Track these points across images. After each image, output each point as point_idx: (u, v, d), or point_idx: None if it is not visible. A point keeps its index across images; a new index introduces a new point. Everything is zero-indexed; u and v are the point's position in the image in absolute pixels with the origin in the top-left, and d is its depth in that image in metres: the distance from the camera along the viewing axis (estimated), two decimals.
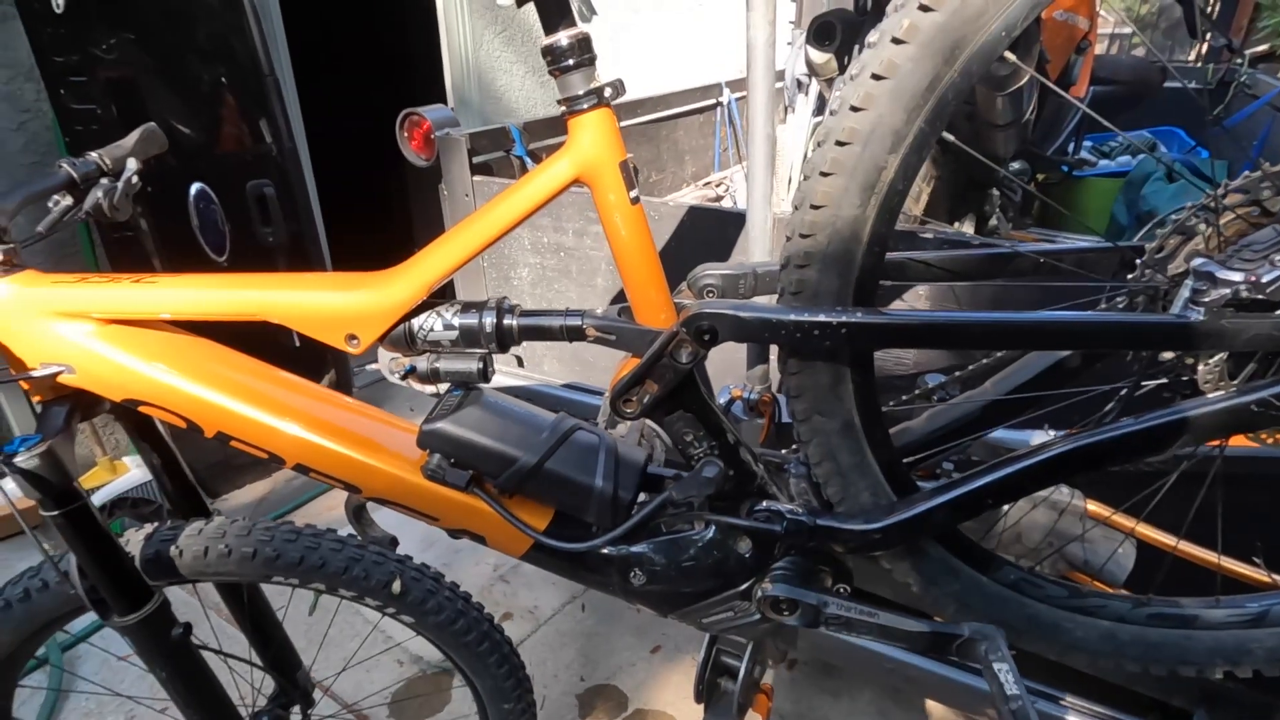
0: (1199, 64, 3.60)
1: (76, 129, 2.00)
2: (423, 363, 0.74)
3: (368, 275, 0.72)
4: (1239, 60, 2.89)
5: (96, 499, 2.02)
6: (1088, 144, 3.08)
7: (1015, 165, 2.33)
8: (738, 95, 2.89)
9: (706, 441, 0.73)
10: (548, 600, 2.03)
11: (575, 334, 0.70)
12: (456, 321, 0.70)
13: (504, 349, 0.72)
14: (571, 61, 0.61)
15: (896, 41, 0.53)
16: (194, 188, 2.23)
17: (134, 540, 0.90)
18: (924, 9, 0.52)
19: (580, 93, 0.61)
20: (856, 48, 1.81)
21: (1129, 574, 0.89)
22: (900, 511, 0.69)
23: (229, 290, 0.72)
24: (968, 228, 2.15)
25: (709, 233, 1.31)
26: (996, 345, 0.74)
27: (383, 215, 4.08)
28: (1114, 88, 3.05)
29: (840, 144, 0.57)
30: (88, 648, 1.81)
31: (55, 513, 0.78)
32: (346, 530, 0.96)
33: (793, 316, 0.61)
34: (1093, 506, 0.93)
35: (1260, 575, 0.81)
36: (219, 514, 0.98)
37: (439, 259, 0.68)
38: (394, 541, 0.98)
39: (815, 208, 0.59)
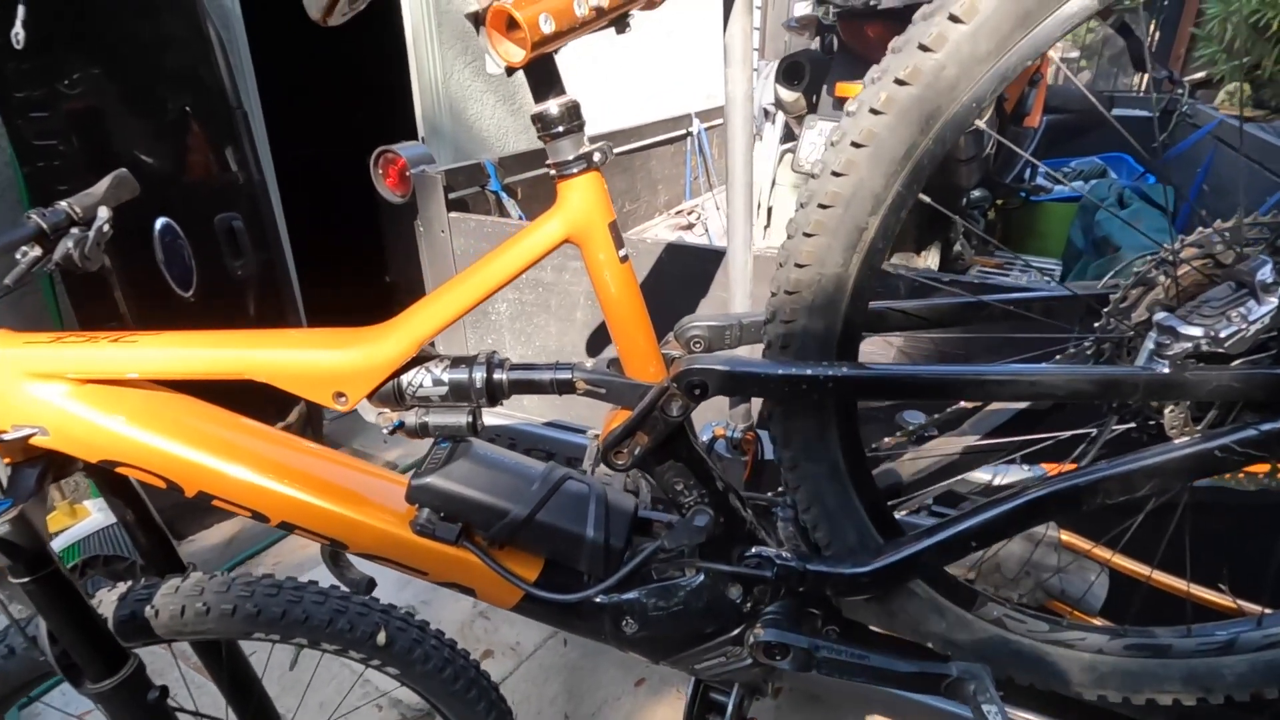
0: (1142, 94, 3.79)
1: (38, 164, 1.95)
2: (411, 417, 0.74)
3: (355, 332, 0.72)
4: (1180, 91, 3.04)
5: (58, 543, 1.94)
6: (1043, 169, 3.21)
7: (976, 193, 2.42)
8: (707, 125, 2.95)
9: (696, 490, 0.74)
10: (529, 636, 2.00)
11: (565, 387, 0.71)
12: (446, 377, 0.70)
13: (494, 403, 0.72)
14: (562, 129, 0.62)
15: (875, 112, 0.56)
16: (159, 222, 2.18)
17: (106, 601, 0.88)
18: (900, 83, 0.55)
19: (570, 158, 0.63)
20: (825, 87, 1.88)
21: (1103, 602, 0.92)
22: (888, 554, 0.71)
23: (213, 349, 0.71)
24: (934, 255, 2.22)
25: (687, 269, 1.33)
26: (977, 397, 0.77)
27: (353, 245, 4.05)
28: (1064, 116, 3.19)
29: (823, 206, 0.59)
30: (44, 707, 1.73)
31: (26, 579, 0.76)
32: (314, 574, 0.94)
33: (781, 371, 0.62)
34: (1066, 537, 0.96)
35: (1226, 602, 0.84)
36: (194, 568, 0.95)
37: (429, 316, 0.69)
38: (371, 583, 0.96)
39: (800, 266, 0.61)
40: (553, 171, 0.64)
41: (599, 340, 1.58)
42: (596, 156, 0.63)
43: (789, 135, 2.61)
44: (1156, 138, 2.89)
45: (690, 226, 2.83)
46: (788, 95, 1.92)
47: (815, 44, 2.10)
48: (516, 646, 1.97)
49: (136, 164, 2.18)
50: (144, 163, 2.19)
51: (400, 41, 3.19)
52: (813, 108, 1.92)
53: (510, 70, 0.57)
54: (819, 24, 2.05)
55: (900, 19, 1.68)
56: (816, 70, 1.87)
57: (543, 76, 0.61)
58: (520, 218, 1.86)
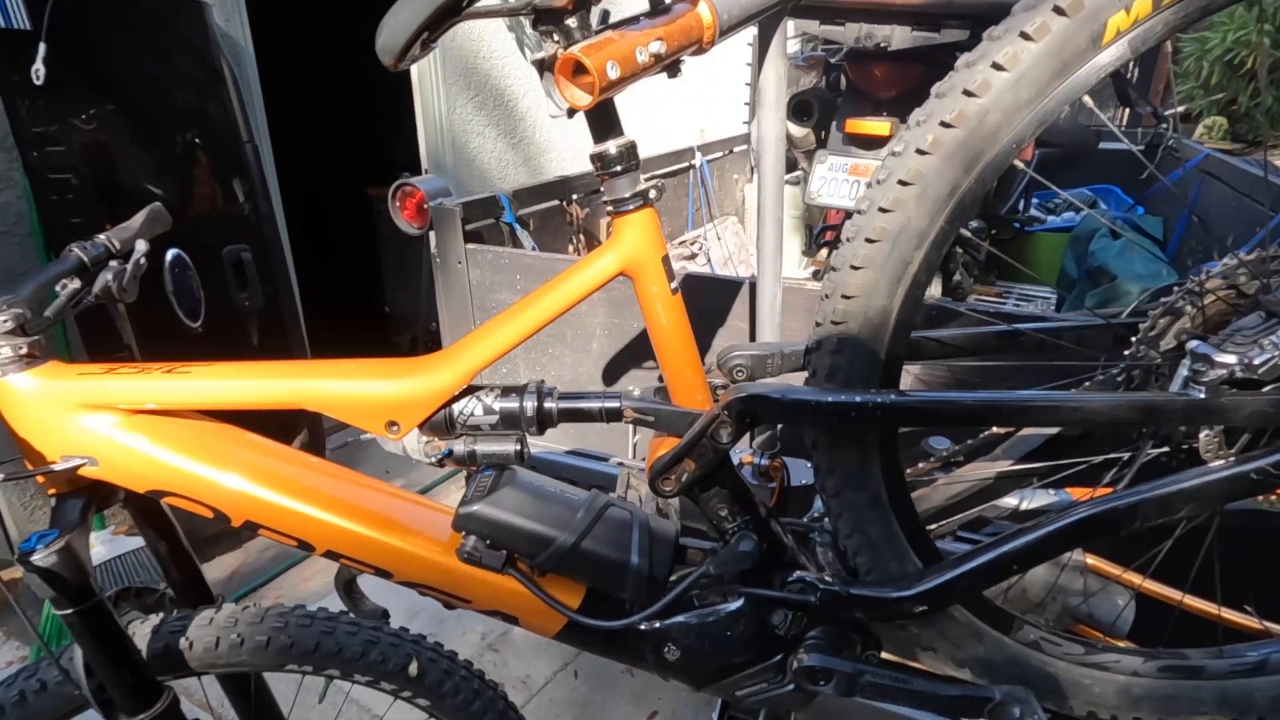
0: (1124, 128, 3.90)
1: (51, 198, 1.97)
2: (459, 445, 0.75)
3: (408, 362, 0.73)
4: (1164, 125, 3.15)
5: None
6: (1035, 201, 3.29)
7: (973, 224, 2.48)
8: (709, 158, 3.02)
9: (740, 516, 0.75)
10: (539, 669, 1.98)
11: (613, 416, 0.72)
12: (497, 406, 0.72)
13: (542, 431, 0.74)
14: (619, 167, 0.65)
15: (921, 152, 0.59)
16: (170, 253, 2.18)
17: (140, 633, 0.87)
18: (946, 125, 0.58)
19: (627, 195, 0.66)
20: (834, 123, 1.94)
21: (1131, 625, 0.93)
22: (930, 579, 0.72)
23: (268, 380, 0.73)
24: (935, 286, 2.27)
25: (707, 299, 1.36)
26: (1020, 423, 0.79)
27: (352, 275, 4.07)
28: (1054, 150, 3.29)
29: (870, 241, 0.62)
30: None
31: (69, 611, 0.75)
32: (320, 605, 0.94)
33: (831, 399, 0.64)
34: (1092, 560, 0.97)
35: (1253, 623, 0.86)
36: (224, 599, 0.95)
37: (484, 346, 0.70)
38: (385, 614, 0.96)
39: (847, 298, 0.64)
40: (609, 208, 0.67)
41: (614, 371, 1.60)
42: (651, 194, 0.66)
43: (791, 169, 2.69)
44: (1144, 170, 2.98)
45: (693, 257, 2.87)
46: (797, 131, 1.98)
47: (821, 82, 2.18)
48: (526, 680, 1.94)
49: (148, 196, 2.20)
50: (155, 194, 2.21)
51: (405, 76, 3.26)
52: (821, 143, 1.98)
53: (572, 112, 0.60)
54: (826, 63, 2.12)
55: (907, 59, 1.75)
56: (825, 107, 1.94)
57: (603, 119, 0.64)
58: (533, 249, 1.88)
